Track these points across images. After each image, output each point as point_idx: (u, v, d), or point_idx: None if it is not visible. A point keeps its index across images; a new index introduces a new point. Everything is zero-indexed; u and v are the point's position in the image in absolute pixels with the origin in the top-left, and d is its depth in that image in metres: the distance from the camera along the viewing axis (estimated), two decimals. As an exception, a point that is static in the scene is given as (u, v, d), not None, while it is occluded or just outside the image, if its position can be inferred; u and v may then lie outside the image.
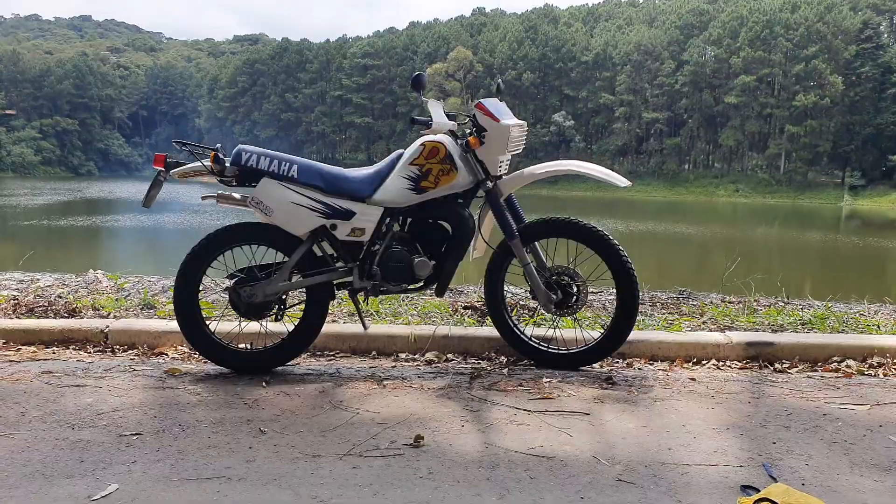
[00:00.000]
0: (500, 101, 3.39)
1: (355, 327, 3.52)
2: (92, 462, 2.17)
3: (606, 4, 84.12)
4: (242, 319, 3.15)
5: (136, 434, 2.38)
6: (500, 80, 3.51)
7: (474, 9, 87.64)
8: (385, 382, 2.96)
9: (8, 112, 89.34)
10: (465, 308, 4.25)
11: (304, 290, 3.16)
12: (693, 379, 3.05)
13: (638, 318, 4.33)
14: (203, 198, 3.17)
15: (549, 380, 3.00)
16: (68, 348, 3.53)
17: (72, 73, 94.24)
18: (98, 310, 4.59)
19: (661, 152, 65.83)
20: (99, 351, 3.48)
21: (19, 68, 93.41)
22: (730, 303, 5.44)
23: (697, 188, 60.56)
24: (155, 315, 4.06)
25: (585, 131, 70.50)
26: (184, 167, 3.06)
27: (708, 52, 62.20)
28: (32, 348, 3.49)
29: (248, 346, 3.23)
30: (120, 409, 2.62)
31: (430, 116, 3.01)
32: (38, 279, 6.41)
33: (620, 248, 3.11)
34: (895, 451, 2.30)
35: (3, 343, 3.54)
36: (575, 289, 3.24)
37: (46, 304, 4.45)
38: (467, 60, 70.88)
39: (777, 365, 3.31)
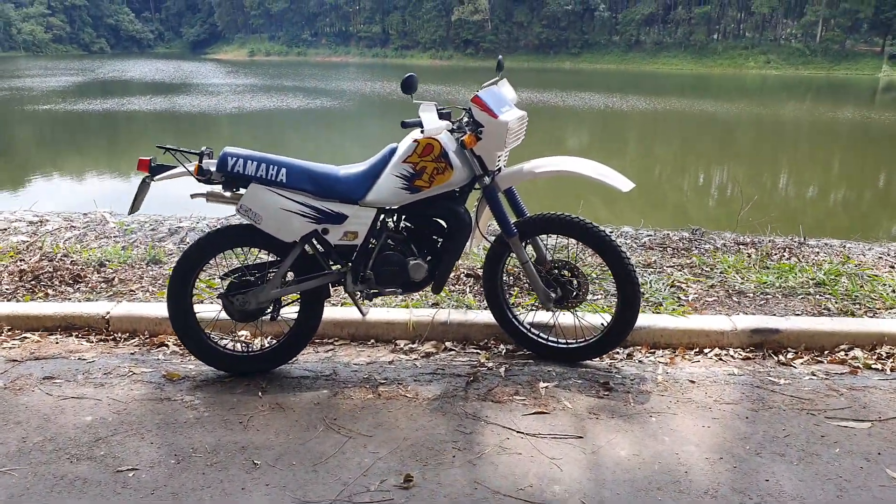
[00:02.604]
0: (501, 79, 3.18)
1: (354, 313, 3.49)
2: (88, 511, 2.22)
3: None
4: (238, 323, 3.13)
5: (133, 469, 2.42)
6: (500, 57, 3.26)
7: None
8: (380, 389, 2.96)
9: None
10: (468, 276, 4.19)
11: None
12: (693, 381, 3.01)
13: (647, 277, 4.27)
14: (192, 196, 3.06)
15: (545, 384, 2.98)
16: (71, 335, 3.55)
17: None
18: (104, 266, 4.62)
19: (689, 21, 62.57)
20: (101, 340, 3.50)
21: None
22: (742, 246, 5.32)
23: (726, 60, 58.02)
24: (155, 295, 4.04)
25: (610, -1, 67.03)
26: (168, 173, 2.94)
27: None
28: (36, 337, 3.52)
29: (246, 349, 3.23)
30: (118, 431, 2.65)
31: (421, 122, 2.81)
32: (47, 220, 6.42)
33: (621, 248, 2.99)
34: (889, 493, 2.28)
35: (8, 331, 3.58)
36: (576, 284, 3.15)
37: (52, 269, 4.45)
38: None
39: (782, 356, 3.25)
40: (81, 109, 24.27)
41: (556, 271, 3.17)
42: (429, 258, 3.10)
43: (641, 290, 4.00)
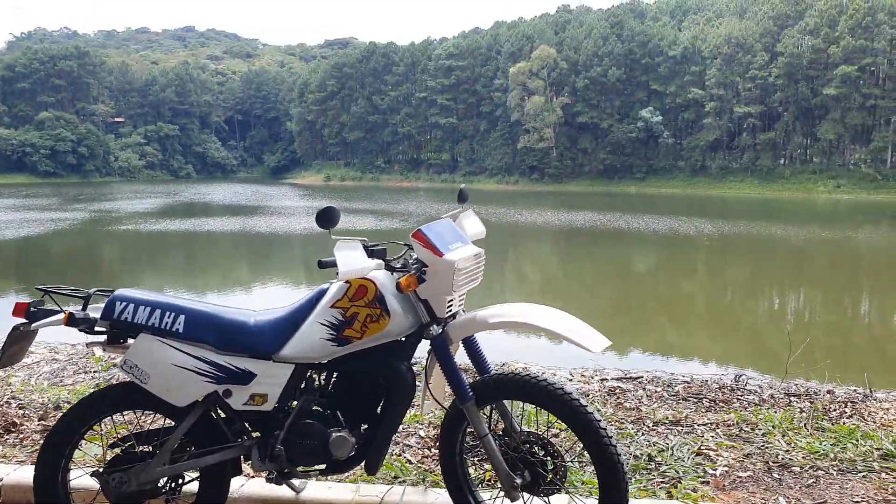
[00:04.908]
0: (465, 210, 2.66)
1: (285, 488, 2.84)
2: None
3: (694, -3, 79.34)
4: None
5: None
6: (463, 187, 2.75)
7: (559, 6, 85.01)
8: None
9: (117, 120, 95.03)
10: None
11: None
12: None
13: (671, 439, 3.52)
14: (88, 345, 2.56)
15: None
16: (-41, 503, 3.01)
17: (174, 82, 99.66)
18: (58, 409, 4.16)
19: (754, 147, 61.99)
20: (-12, 511, 2.95)
21: (128, 78, 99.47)
22: (794, 398, 4.48)
23: (794, 184, 56.72)
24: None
25: (674, 126, 67.39)
26: (47, 320, 2.43)
27: (804, 43, 57.62)
28: (-81, 504, 3.00)
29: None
30: None
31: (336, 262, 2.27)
32: (31, 352, 6.08)
33: (597, 418, 2.29)
34: None
35: None
36: (549, 466, 2.44)
37: (-10, 410, 4.00)
38: (551, 59, 69.04)
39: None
40: (159, 230, 25.36)
41: (527, 446, 2.47)
42: (365, 428, 2.47)
43: (658, 460, 3.27)
